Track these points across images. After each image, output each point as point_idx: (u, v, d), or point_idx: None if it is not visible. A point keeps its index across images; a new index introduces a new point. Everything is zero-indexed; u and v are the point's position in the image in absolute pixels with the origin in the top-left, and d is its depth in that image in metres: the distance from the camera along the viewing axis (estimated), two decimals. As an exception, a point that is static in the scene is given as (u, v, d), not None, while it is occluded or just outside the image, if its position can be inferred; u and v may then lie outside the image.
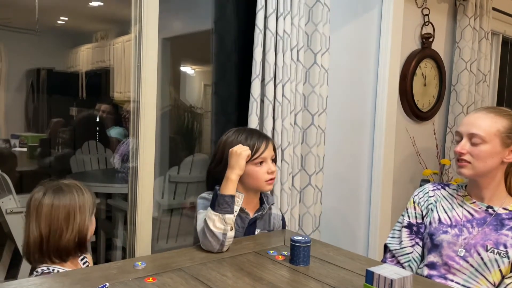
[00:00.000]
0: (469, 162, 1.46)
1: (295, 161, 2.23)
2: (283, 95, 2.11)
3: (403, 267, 1.59)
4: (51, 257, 1.31)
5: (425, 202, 1.62)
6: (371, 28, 2.41)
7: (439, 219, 1.55)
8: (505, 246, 1.43)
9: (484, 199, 1.52)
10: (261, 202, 1.70)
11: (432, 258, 1.53)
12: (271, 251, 1.48)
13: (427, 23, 2.61)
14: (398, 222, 1.68)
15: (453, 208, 1.56)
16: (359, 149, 2.47)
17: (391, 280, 1.04)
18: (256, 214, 1.66)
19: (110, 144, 3.92)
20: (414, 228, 1.62)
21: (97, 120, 4.10)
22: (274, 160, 1.67)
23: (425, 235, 1.59)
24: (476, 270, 1.45)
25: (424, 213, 1.61)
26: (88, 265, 1.47)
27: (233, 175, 1.48)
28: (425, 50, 2.60)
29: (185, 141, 4.44)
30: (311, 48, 2.26)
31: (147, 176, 1.92)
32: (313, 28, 2.26)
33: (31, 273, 1.34)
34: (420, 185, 1.84)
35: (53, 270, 1.30)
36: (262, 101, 2.11)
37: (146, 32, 1.87)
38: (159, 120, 2.42)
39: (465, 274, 1.46)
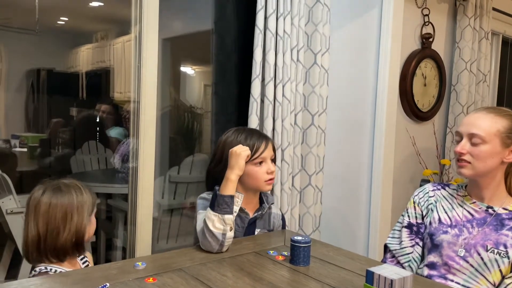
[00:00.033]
0: (469, 162, 1.46)
1: (295, 161, 2.23)
2: (283, 95, 2.11)
3: (403, 267, 1.59)
4: (48, 256, 1.31)
5: (425, 202, 1.62)
6: (371, 28, 2.41)
7: (439, 219, 1.55)
8: (505, 246, 1.43)
9: (484, 199, 1.52)
10: (261, 201, 1.70)
11: (432, 258, 1.53)
12: (271, 251, 1.48)
13: (427, 23, 2.61)
14: (398, 222, 1.69)
15: (453, 208, 1.56)
16: (359, 149, 2.47)
17: (391, 280, 1.04)
18: (255, 214, 1.66)
19: (110, 144, 3.92)
20: (414, 228, 1.62)
21: (97, 120, 4.10)
22: (273, 160, 1.67)
23: (425, 235, 1.59)
24: (476, 270, 1.45)
25: (424, 213, 1.61)
26: (88, 265, 1.47)
27: (232, 175, 1.48)
28: (425, 50, 2.60)
29: (185, 141, 4.44)
30: (311, 48, 2.26)
31: (147, 176, 1.92)
32: (313, 28, 2.26)
33: (30, 273, 1.34)
34: (420, 185, 1.84)
35: (50, 269, 1.30)
36: (262, 101, 2.11)
37: (146, 33, 1.87)
38: (159, 120, 2.43)
39: (465, 274, 1.46)
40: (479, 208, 1.51)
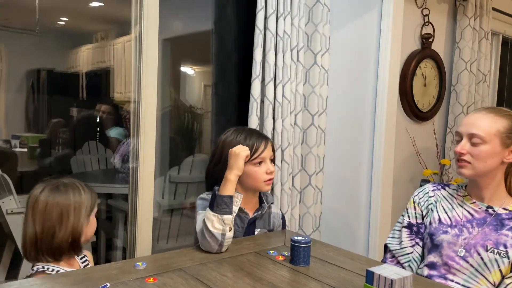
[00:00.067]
0: (469, 162, 1.46)
1: (295, 161, 2.23)
2: (283, 95, 2.12)
3: (403, 267, 1.59)
4: (45, 255, 1.31)
5: (425, 202, 1.62)
6: (371, 28, 2.41)
7: (439, 219, 1.55)
8: (505, 246, 1.43)
9: (484, 199, 1.52)
10: (261, 201, 1.70)
11: (432, 258, 1.53)
12: (271, 251, 1.48)
13: (427, 23, 2.61)
14: (398, 222, 1.69)
15: (453, 208, 1.56)
16: (359, 149, 2.47)
17: (391, 280, 1.04)
18: (255, 214, 1.66)
19: (110, 144, 3.92)
20: (414, 228, 1.62)
21: (97, 120, 4.10)
22: (273, 161, 1.67)
23: (425, 235, 1.59)
24: (476, 270, 1.45)
25: (424, 213, 1.61)
26: (88, 264, 1.47)
27: (231, 176, 1.48)
28: (425, 50, 2.60)
29: (185, 141, 4.44)
30: (311, 48, 2.26)
31: (148, 176, 1.92)
32: (313, 29, 2.26)
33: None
34: (420, 185, 1.84)
35: (47, 268, 1.30)
36: (262, 101, 2.11)
37: (147, 33, 1.87)
38: (159, 121, 2.43)
39: (465, 274, 1.46)
40: (479, 208, 1.51)
